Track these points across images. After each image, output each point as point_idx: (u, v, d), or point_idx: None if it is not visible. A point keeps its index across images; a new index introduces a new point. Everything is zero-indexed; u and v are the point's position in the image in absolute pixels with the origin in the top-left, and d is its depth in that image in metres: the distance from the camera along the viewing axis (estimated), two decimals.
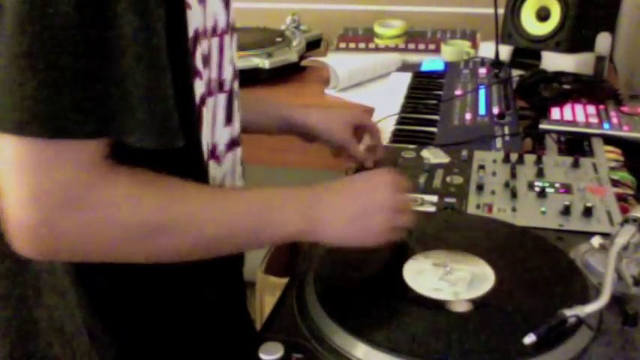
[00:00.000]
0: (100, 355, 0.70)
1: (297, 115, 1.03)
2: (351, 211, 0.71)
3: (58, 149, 0.55)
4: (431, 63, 1.81)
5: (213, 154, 0.76)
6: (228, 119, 0.80)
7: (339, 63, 1.78)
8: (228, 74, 0.78)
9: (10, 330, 0.74)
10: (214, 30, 0.73)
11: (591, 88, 1.44)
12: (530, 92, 1.49)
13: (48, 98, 0.53)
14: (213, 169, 0.76)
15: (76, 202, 0.56)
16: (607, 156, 1.12)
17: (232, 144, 0.81)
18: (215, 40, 0.74)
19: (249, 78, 1.56)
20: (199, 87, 0.70)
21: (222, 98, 0.78)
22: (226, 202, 0.66)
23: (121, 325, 0.70)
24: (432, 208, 0.94)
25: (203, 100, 0.71)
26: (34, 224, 0.55)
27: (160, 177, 0.62)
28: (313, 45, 2.02)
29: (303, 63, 1.92)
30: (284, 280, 0.81)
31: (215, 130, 0.76)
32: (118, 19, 0.55)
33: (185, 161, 0.67)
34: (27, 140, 0.54)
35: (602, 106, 1.36)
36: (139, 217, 0.59)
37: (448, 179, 1.02)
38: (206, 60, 0.71)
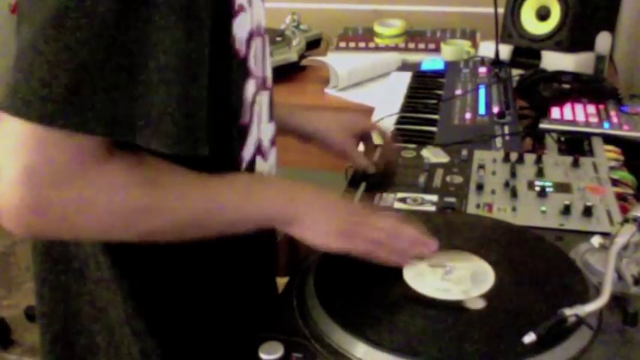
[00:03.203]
0: (140, 346, 0.71)
1: (296, 119, 1.02)
2: (334, 207, 0.73)
3: (62, 135, 0.56)
4: (431, 62, 1.82)
5: (259, 150, 0.78)
6: (271, 115, 0.82)
7: (339, 62, 1.78)
8: (269, 72, 0.81)
9: (53, 321, 0.76)
10: (258, 30, 0.74)
11: (591, 88, 1.44)
12: (530, 92, 1.49)
13: (69, 92, 0.54)
14: (260, 165, 0.79)
15: (64, 182, 0.58)
16: (607, 155, 1.12)
17: (274, 139, 0.84)
18: (260, 40, 0.75)
19: None
20: (252, 87, 0.72)
21: (265, 95, 0.80)
22: (210, 181, 0.67)
23: (162, 317, 0.71)
24: (432, 208, 0.94)
25: (254, 99, 0.74)
26: (23, 201, 0.57)
27: (151, 161, 0.63)
28: (313, 44, 2.02)
29: (303, 62, 1.93)
30: (284, 280, 0.81)
31: (261, 126, 0.78)
32: (156, 23, 0.55)
33: (228, 165, 0.70)
34: (29, 123, 0.55)
35: (602, 106, 1.37)
36: (125, 200, 0.61)
37: (448, 179, 1.02)
38: (256, 60, 0.74)
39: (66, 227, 0.61)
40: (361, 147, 1.07)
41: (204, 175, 0.66)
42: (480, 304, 0.67)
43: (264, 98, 0.79)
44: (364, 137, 1.05)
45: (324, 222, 0.71)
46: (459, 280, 0.71)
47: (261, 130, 0.78)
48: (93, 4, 0.54)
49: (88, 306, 0.73)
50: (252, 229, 0.70)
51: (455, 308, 0.67)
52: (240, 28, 0.68)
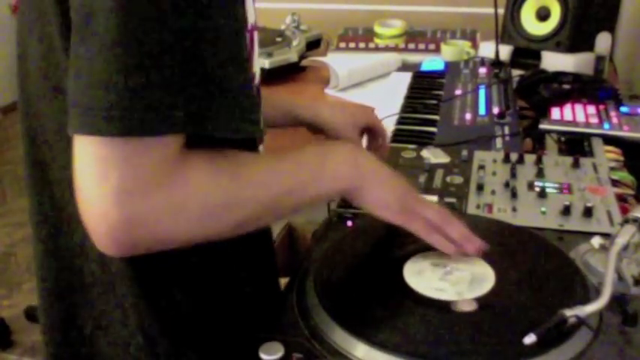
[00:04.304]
0: (137, 346, 0.71)
1: (307, 111, 1.02)
2: (395, 179, 0.75)
3: (143, 144, 0.56)
4: (431, 63, 1.81)
5: None
6: None
7: (339, 63, 1.78)
8: (257, 69, 0.80)
9: (55, 331, 0.75)
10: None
11: (591, 88, 1.44)
12: (530, 92, 1.49)
13: (139, 97, 0.54)
14: None
15: (154, 190, 0.57)
16: (607, 156, 1.12)
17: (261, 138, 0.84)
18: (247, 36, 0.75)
19: None
20: None
21: None
22: (283, 161, 0.69)
23: (161, 318, 0.71)
24: None
25: None
26: (120, 220, 0.56)
27: (228, 154, 0.64)
28: (313, 45, 2.02)
29: (303, 63, 1.93)
30: (284, 280, 0.81)
31: None
32: (212, 13, 0.56)
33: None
34: (111, 139, 0.54)
35: (602, 106, 1.37)
36: (215, 196, 0.61)
37: (448, 179, 1.03)
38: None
39: (163, 235, 0.59)
40: (364, 141, 1.08)
41: (274, 156, 0.68)
42: (470, 307, 0.67)
43: None
44: (369, 131, 1.05)
45: (387, 193, 0.73)
46: (457, 281, 0.71)
47: None
48: (148, 6, 0.53)
49: (89, 310, 0.72)
50: (327, 200, 0.72)
51: (449, 309, 0.67)
52: None
